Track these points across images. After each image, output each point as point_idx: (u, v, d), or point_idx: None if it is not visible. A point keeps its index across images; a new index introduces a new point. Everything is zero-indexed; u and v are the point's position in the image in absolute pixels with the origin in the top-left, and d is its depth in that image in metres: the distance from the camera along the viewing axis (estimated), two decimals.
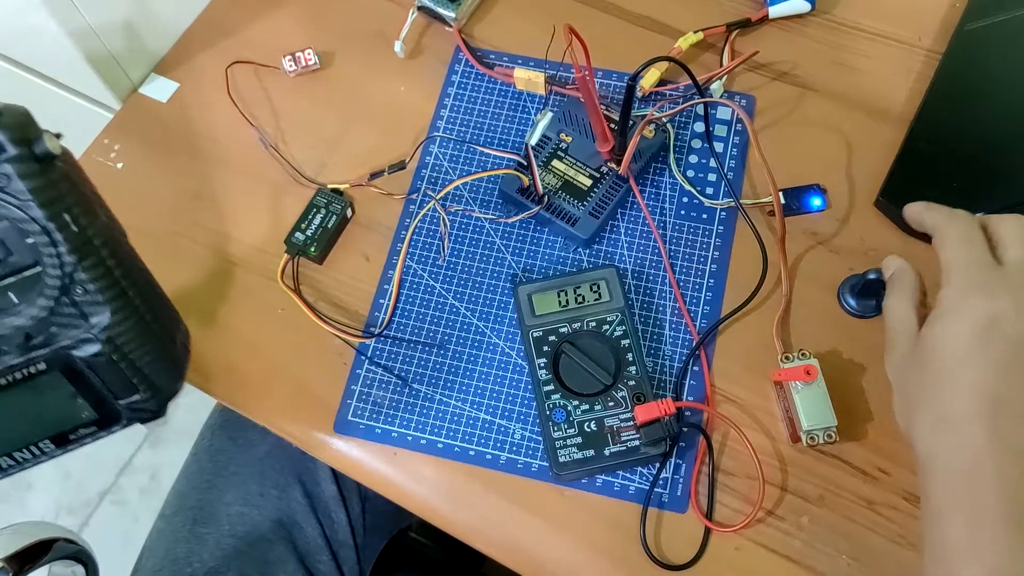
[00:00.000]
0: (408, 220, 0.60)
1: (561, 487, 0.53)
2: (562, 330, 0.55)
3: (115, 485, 1.33)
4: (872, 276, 0.52)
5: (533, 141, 0.55)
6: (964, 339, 0.41)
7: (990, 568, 0.37)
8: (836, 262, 0.58)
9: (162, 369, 0.44)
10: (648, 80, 0.62)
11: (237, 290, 0.59)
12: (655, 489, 0.52)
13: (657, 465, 0.53)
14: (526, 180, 0.58)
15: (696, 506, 0.52)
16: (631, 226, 0.59)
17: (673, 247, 0.59)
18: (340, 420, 0.55)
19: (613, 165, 0.59)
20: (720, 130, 0.62)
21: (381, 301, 0.58)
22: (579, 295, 0.56)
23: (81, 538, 0.54)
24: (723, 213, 0.60)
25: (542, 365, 0.54)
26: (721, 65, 0.63)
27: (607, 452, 0.52)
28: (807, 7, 0.65)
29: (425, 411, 0.55)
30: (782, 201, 0.58)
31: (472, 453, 0.54)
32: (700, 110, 0.62)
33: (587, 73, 0.53)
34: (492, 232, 0.60)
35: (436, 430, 0.55)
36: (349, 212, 0.60)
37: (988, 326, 0.41)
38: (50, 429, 0.44)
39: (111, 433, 0.45)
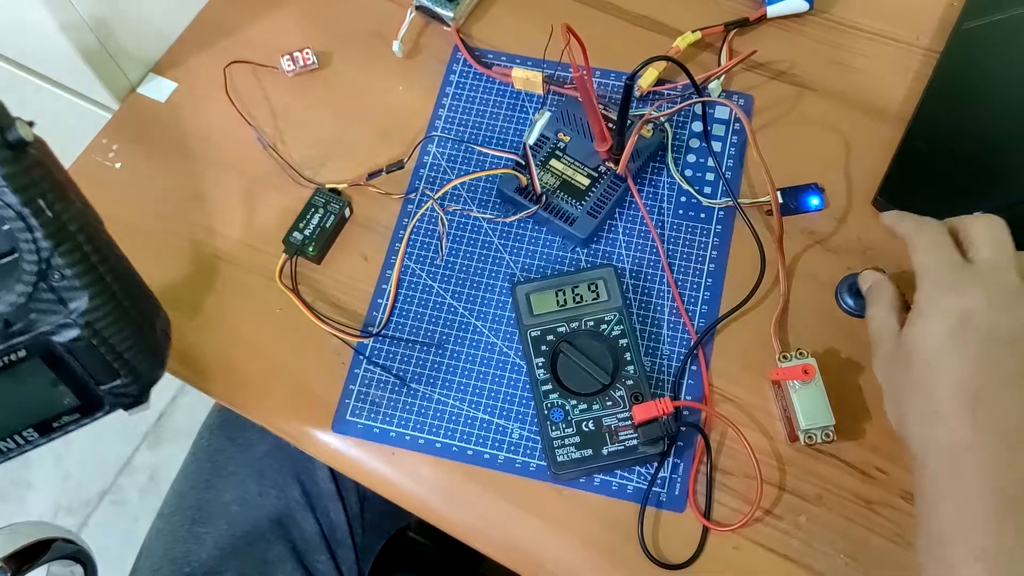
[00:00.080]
0: (406, 220, 0.60)
1: (559, 486, 0.53)
2: (560, 329, 0.55)
3: (114, 485, 1.33)
4: (885, 270, 0.52)
5: (531, 141, 0.55)
6: (940, 336, 0.43)
7: (978, 549, 0.39)
8: (834, 261, 0.58)
9: (142, 354, 0.44)
10: (646, 79, 0.62)
11: (235, 290, 0.59)
12: (653, 488, 0.52)
13: (655, 464, 0.53)
14: (524, 180, 0.58)
15: (694, 505, 0.52)
16: (629, 225, 0.59)
17: (671, 247, 0.59)
18: (338, 419, 0.55)
19: (611, 164, 0.59)
20: (718, 129, 0.62)
21: (379, 301, 0.58)
22: (577, 295, 0.56)
23: (79, 538, 0.54)
24: (721, 212, 0.60)
25: (540, 364, 0.54)
26: (719, 64, 0.63)
27: (605, 451, 0.52)
28: (805, 6, 0.65)
29: (423, 410, 0.55)
30: (780, 200, 0.58)
31: (470, 452, 0.54)
32: (698, 109, 0.62)
33: (585, 73, 0.53)
34: (490, 232, 0.60)
35: (434, 429, 0.55)
36: (347, 212, 0.60)
37: (961, 322, 0.42)
38: (33, 417, 0.44)
39: (94, 419, 0.45)
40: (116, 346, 0.42)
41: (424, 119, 0.64)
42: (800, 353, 0.53)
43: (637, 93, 0.62)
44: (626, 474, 0.53)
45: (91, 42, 0.62)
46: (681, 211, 0.60)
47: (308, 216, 0.59)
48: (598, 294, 0.56)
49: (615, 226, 0.59)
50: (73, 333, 0.41)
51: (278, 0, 0.69)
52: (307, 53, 0.65)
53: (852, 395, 0.54)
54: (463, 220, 0.60)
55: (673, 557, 0.51)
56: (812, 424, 0.51)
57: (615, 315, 0.55)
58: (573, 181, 0.59)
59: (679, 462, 0.53)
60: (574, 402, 0.53)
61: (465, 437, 0.54)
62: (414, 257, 0.59)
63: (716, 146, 0.61)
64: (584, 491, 0.53)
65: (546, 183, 0.59)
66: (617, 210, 0.60)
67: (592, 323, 0.55)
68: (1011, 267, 0.44)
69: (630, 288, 0.58)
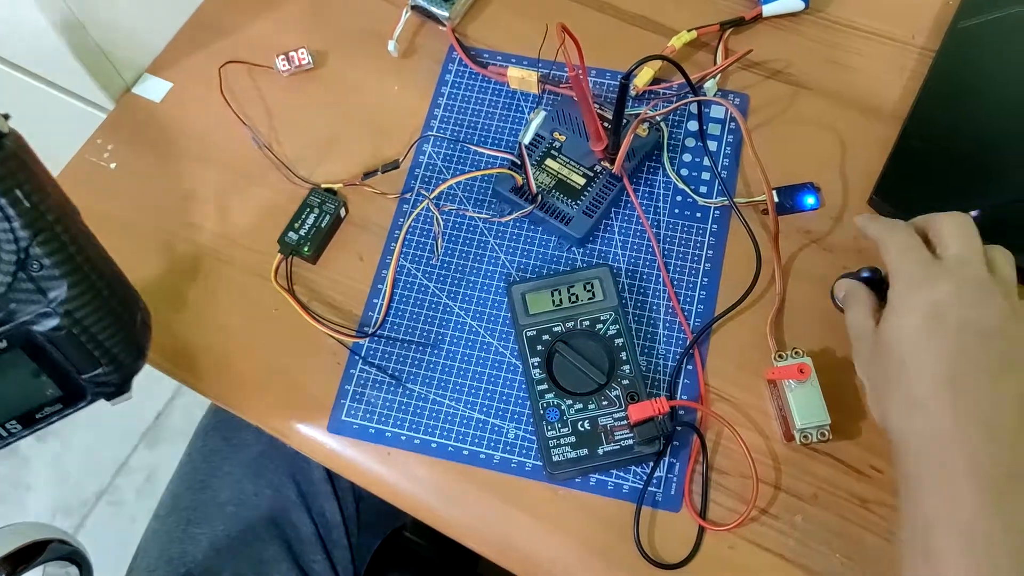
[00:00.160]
0: (402, 220, 0.60)
1: (555, 486, 0.53)
2: (556, 329, 0.55)
3: (111, 485, 1.33)
4: (865, 274, 0.52)
5: (526, 140, 0.55)
6: (914, 330, 0.44)
7: (963, 527, 0.40)
8: (830, 260, 0.58)
9: (123, 343, 0.44)
10: (642, 79, 0.62)
11: (231, 290, 0.59)
12: (649, 488, 0.52)
13: (651, 464, 0.53)
14: (520, 179, 0.58)
15: (690, 505, 0.52)
16: (625, 225, 0.59)
17: (667, 246, 0.59)
18: (334, 420, 0.55)
19: (607, 164, 0.59)
20: (714, 129, 0.62)
21: (375, 301, 0.58)
22: (573, 294, 0.56)
23: (75, 539, 0.54)
24: (717, 212, 0.60)
25: (536, 364, 0.54)
26: (715, 64, 0.63)
27: (601, 451, 0.51)
28: (801, 5, 0.65)
29: (419, 411, 0.55)
30: (776, 199, 0.58)
31: (466, 453, 0.54)
32: (694, 109, 0.62)
33: (580, 72, 0.53)
34: (486, 231, 0.60)
35: (430, 430, 0.55)
36: (343, 212, 0.60)
37: (933, 315, 0.44)
38: (15, 409, 0.44)
39: (76, 410, 0.46)
40: (97, 335, 0.43)
41: (420, 119, 0.64)
42: (796, 352, 0.53)
43: (633, 92, 0.62)
44: (622, 474, 0.53)
45: (86, 42, 0.62)
46: (677, 210, 0.60)
47: (303, 216, 0.59)
48: (594, 294, 0.56)
49: (611, 225, 0.59)
50: (53, 322, 0.41)
51: (273, 0, 0.69)
52: (302, 53, 0.65)
53: (848, 394, 0.54)
54: (459, 220, 0.60)
55: (669, 557, 0.51)
56: (808, 423, 0.51)
57: (611, 315, 0.55)
58: (569, 180, 0.59)
59: (675, 462, 0.53)
60: (570, 402, 0.53)
61: (461, 437, 0.54)
62: (410, 257, 0.59)
63: (712, 145, 0.61)
64: (580, 491, 0.53)
65: (542, 182, 0.59)
66: (613, 209, 0.60)
67: (588, 323, 0.55)
68: (979, 261, 0.45)
69: (626, 288, 0.58)
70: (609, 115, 0.57)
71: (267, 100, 0.65)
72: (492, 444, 0.54)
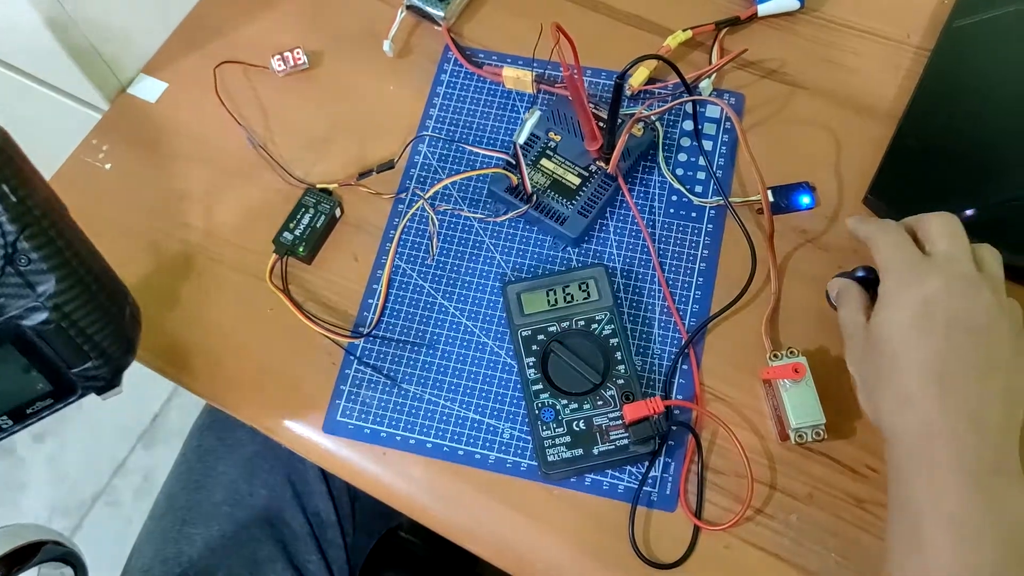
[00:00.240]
0: (397, 220, 0.60)
1: (550, 486, 0.53)
2: (551, 329, 0.55)
3: (109, 486, 1.33)
4: (860, 273, 0.52)
5: (521, 140, 0.55)
6: (905, 324, 0.45)
7: (948, 514, 0.41)
8: (825, 259, 0.58)
9: (112, 336, 0.44)
10: (637, 78, 0.62)
11: (226, 290, 0.59)
12: (644, 488, 0.52)
13: (646, 464, 0.53)
14: (515, 179, 0.58)
15: (685, 505, 0.52)
16: (620, 225, 0.59)
17: (662, 246, 0.59)
18: (329, 420, 0.55)
19: (602, 164, 0.59)
20: (709, 128, 0.62)
21: (370, 301, 0.58)
22: (568, 294, 0.56)
23: (70, 540, 0.54)
24: (712, 211, 0.60)
25: (531, 364, 0.54)
26: (710, 63, 0.63)
27: (596, 451, 0.51)
28: (796, 5, 0.65)
29: (414, 411, 0.55)
30: (771, 199, 0.58)
31: (461, 453, 0.54)
32: (689, 108, 0.62)
33: (575, 71, 0.53)
34: (481, 231, 0.60)
35: (425, 430, 0.55)
36: (338, 212, 0.60)
37: (923, 309, 0.45)
38: (5, 404, 0.44)
39: (67, 404, 0.46)
40: (85, 329, 0.43)
41: (415, 119, 0.64)
42: (791, 352, 0.53)
43: (628, 92, 0.62)
44: (617, 474, 0.53)
45: (81, 42, 0.62)
46: (672, 210, 0.60)
47: (298, 216, 0.59)
48: (589, 293, 0.56)
49: (606, 225, 0.59)
50: (42, 316, 0.41)
51: (269, 0, 0.69)
52: (298, 53, 0.65)
53: (843, 394, 0.53)
54: (454, 220, 0.60)
55: (664, 556, 0.51)
56: (802, 423, 0.51)
57: (606, 314, 0.55)
58: (564, 180, 0.59)
59: (670, 461, 0.53)
60: (565, 402, 0.53)
61: (456, 437, 0.54)
62: (405, 257, 0.59)
63: (707, 145, 0.61)
64: (575, 491, 0.53)
65: (537, 182, 0.59)
66: (608, 209, 0.60)
67: (583, 322, 0.55)
68: (967, 258, 0.46)
69: (621, 287, 0.57)
70: (604, 115, 0.57)
71: (263, 100, 0.65)
72: (487, 444, 0.54)
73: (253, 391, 0.56)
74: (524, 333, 0.55)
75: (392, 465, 0.54)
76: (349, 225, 0.61)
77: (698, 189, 0.60)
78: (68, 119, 0.69)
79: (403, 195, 0.61)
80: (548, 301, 0.56)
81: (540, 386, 0.53)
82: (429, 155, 0.62)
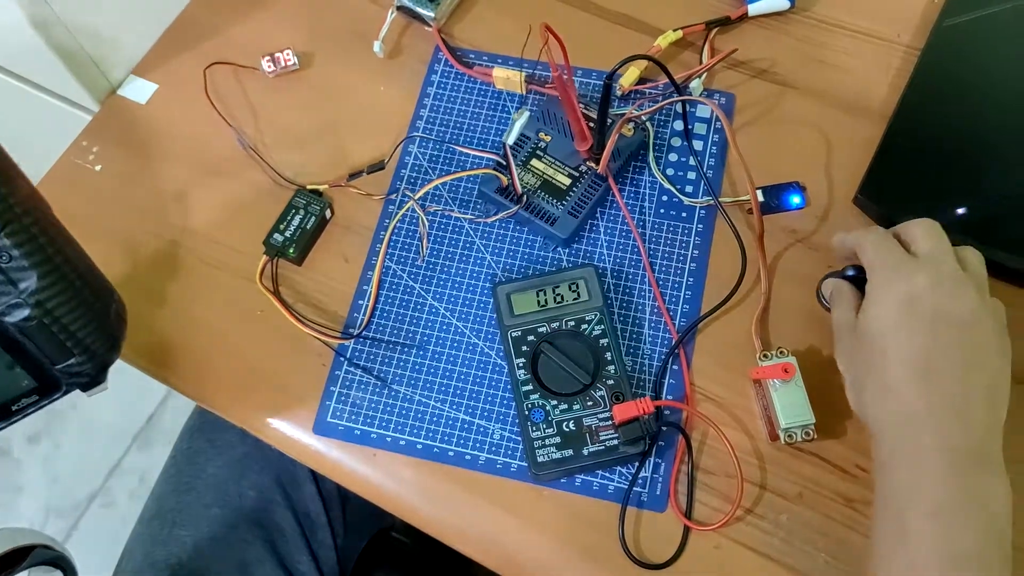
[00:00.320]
0: (387, 221, 0.60)
1: (540, 487, 0.53)
2: (541, 330, 0.55)
3: (104, 488, 1.33)
4: (851, 272, 0.52)
5: (510, 140, 0.55)
6: (891, 317, 0.46)
7: (931, 502, 0.42)
8: (815, 259, 0.58)
9: (95, 333, 0.44)
10: (627, 79, 0.62)
11: (216, 292, 0.59)
12: (634, 488, 0.52)
13: (636, 464, 0.53)
14: (505, 180, 0.58)
15: (675, 505, 0.52)
16: (611, 225, 0.59)
17: (652, 246, 0.59)
18: (319, 421, 0.55)
19: (592, 164, 0.59)
20: (700, 128, 0.62)
21: (360, 302, 0.58)
22: (558, 295, 0.56)
23: (60, 544, 0.54)
24: (702, 211, 0.59)
25: (521, 365, 0.54)
26: (701, 63, 0.63)
27: (586, 452, 0.51)
28: (787, 4, 0.65)
29: (404, 412, 0.55)
30: (760, 199, 0.58)
31: (451, 454, 0.54)
32: (680, 108, 0.61)
33: (564, 72, 0.53)
34: (471, 232, 0.60)
35: (415, 431, 0.54)
36: (328, 213, 0.60)
37: (909, 305, 0.46)
38: None
39: (52, 400, 0.46)
40: (68, 325, 0.43)
41: (405, 119, 0.64)
42: (781, 352, 0.53)
43: (619, 92, 0.62)
44: (607, 474, 0.53)
45: (69, 44, 0.62)
46: (663, 210, 0.60)
47: (289, 217, 0.59)
48: (579, 294, 0.56)
49: (596, 226, 0.59)
50: (24, 313, 0.41)
51: (259, 1, 0.68)
52: (288, 54, 0.65)
53: (833, 393, 0.53)
54: (444, 220, 0.60)
55: (654, 557, 0.51)
56: (792, 422, 0.51)
57: (596, 315, 0.55)
58: (554, 181, 0.59)
59: (660, 462, 0.53)
60: (554, 402, 0.53)
61: (446, 438, 0.54)
62: (395, 258, 0.59)
63: (698, 145, 0.61)
64: (565, 491, 0.53)
65: (527, 183, 0.59)
66: (598, 210, 0.60)
67: (573, 323, 0.55)
68: (951, 258, 0.47)
69: (611, 288, 0.57)
70: (595, 115, 0.57)
71: (253, 101, 0.65)
72: (477, 445, 0.54)
73: (243, 392, 0.56)
74: (514, 334, 0.55)
75: (382, 466, 0.54)
76: (339, 226, 0.61)
77: (688, 189, 0.60)
78: (58, 121, 0.69)
79: (393, 196, 0.61)
80: (538, 302, 0.56)
81: (530, 387, 0.53)
82: (420, 156, 0.62)
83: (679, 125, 0.62)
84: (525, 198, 0.58)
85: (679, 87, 0.58)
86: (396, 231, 0.60)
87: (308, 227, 0.59)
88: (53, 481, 1.34)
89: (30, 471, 1.34)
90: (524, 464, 0.53)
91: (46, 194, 0.45)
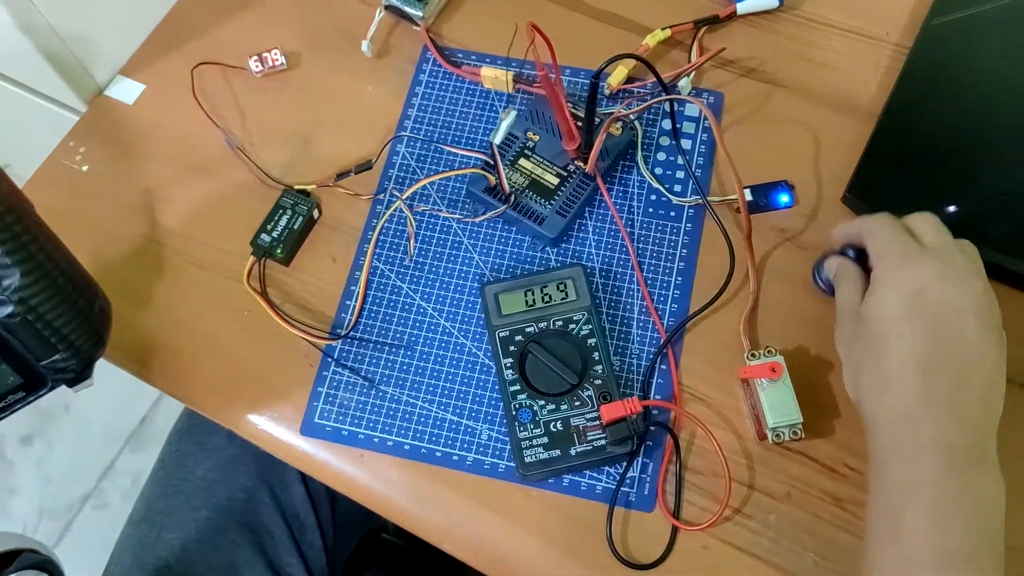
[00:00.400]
0: (375, 220, 0.60)
1: (528, 487, 0.53)
2: (528, 330, 0.55)
3: (97, 489, 1.32)
4: (851, 253, 0.51)
5: (497, 140, 0.55)
6: (896, 306, 0.46)
7: (928, 499, 0.42)
8: (804, 258, 0.58)
9: (79, 329, 0.45)
10: (616, 78, 0.62)
11: (203, 292, 0.59)
12: (622, 488, 0.52)
13: (624, 464, 0.52)
14: (493, 179, 0.58)
15: (663, 505, 0.51)
16: (599, 224, 0.59)
17: (641, 245, 0.58)
18: (307, 422, 0.55)
19: (580, 163, 0.59)
20: (688, 127, 0.62)
21: (348, 302, 0.58)
22: (546, 294, 0.56)
23: (47, 548, 0.54)
24: (691, 210, 0.59)
25: (508, 365, 0.54)
26: (689, 62, 0.63)
27: (573, 452, 0.51)
28: (775, 3, 0.65)
29: (392, 412, 0.55)
30: (748, 198, 0.58)
31: (439, 454, 0.54)
32: (668, 107, 0.61)
33: (550, 71, 0.53)
34: (459, 232, 0.60)
35: (403, 431, 0.54)
36: (316, 213, 0.60)
37: (915, 293, 0.45)
38: None
39: (38, 396, 0.47)
40: (52, 322, 0.43)
41: (393, 119, 0.63)
42: (768, 351, 0.53)
43: (607, 91, 0.62)
44: (595, 474, 0.53)
45: (56, 45, 0.61)
46: (651, 209, 0.60)
47: (276, 218, 0.59)
48: (567, 294, 0.55)
49: (585, 225, 0.59)
50: (7, 309, 0.42)
51: (247, 1, 0.68)
52: (275, 54, 0.65)
53: (822, 392, 0.54)
54: (432, 220, 0.60)
55: (642, 557, 0.51)
56: (780, 422, 0.51)
57: (583, 315, 0.55)
58: (542, 180, 0.59)
59: (648, 462, 0.53)
60: (542, 402, 0.52)
61: (434, 439, 0.54)
62: (383, 258, 0.59)
63: (686, 144, 0.61)
64: (553, 492, 0.52)
65: (515, 182, 0.58)
66: (587, 209, 0.59)
67: (560, 323, 0.55)
68: (957, 251, 0.47)
69: (600, 287, 0.57)
70: (583, 114, 0.57)
71: (240, 101, 0.65)
72: (465, 445, 0.54)
73: (230, 394, 0.56)
74: (502, 334, 0.55)
75: (369, 467, 0.54)
76: (327, 226, 0.60)
77: (677, 188, 0.60)
78: (46, 121, 0.69)
79: (381, 196, 0.61)
80: (526, 302, 0.55)
81: (517, 387, 0.53)
82: (408, 155, 0.62)
83: (668, 124, 0.62)
84: (513, 197, 0.58)
85: (666, 86, 0.58)
86: (384, 231, 0.60)
87: (296, 227, 0.59)
88: (46, 482, 1.33)
89: (23, 472, 1.34)
90: (512, 465, 0.53)
91: (33, 194, 0.45)
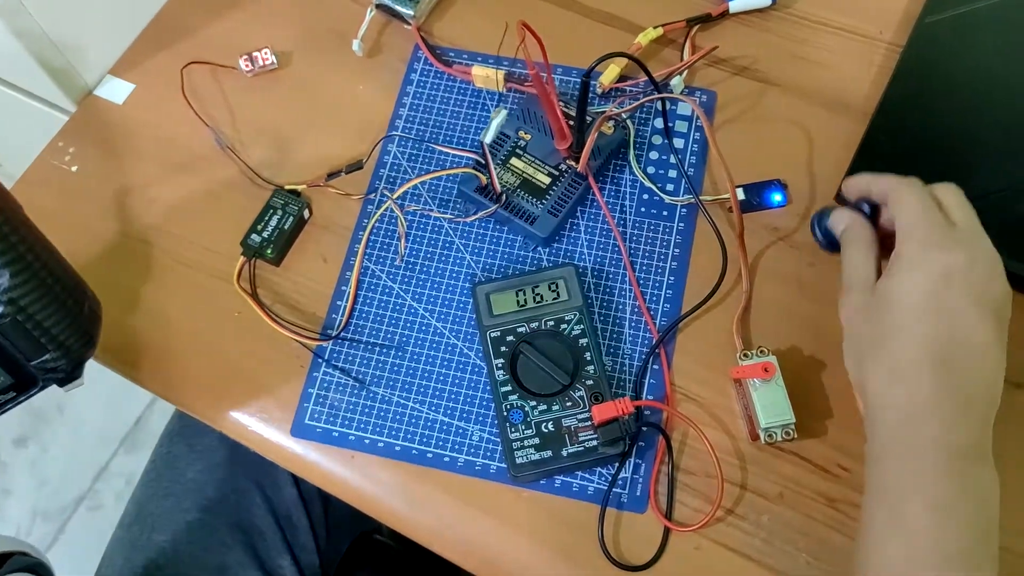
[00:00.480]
0: (366, 220, 0.60)
1: (519, 488, 0.52)
2: (520, 330, 0.54)
3: (91, 491, 1.32)
4: (866, 208, 0.50)
5: (488, 139, 0.54)
6: (921, 291, 0.43)
7: (930, 498, 0.41)
8: (797, 257, 0.57)
9: (69, 329, 0.45)
10: (608, 76, 0.62)
11: (193, 293, 0.58)
12: (614, 489, 0.52)
13: (616, 465, 0.52)
14: (484, 179, 0.58)
15: (655, 506, 0.51)
16: (591, 224, 0.59)
17: (633, 245, 0.58)
18: (297, 423, 0.55)
19: (572, 162, 0.59)
20: (681, 126, 0.62)
21: (339, 303, 0.58)
22: (537, 294, 0.55)
23: (38, 551, 0.54)
24: (684, 210, 0.59)
25: (499, 366, 0.53)
26: (682, 60, 0.63)
27: (565, 453, 0.51)
28: (767, 1, 0.64)
29: (383, 413, 0.55)
30: (741, 197, 0.58)
31: (430, 455, 0.53)
32: (660, 106, 0.61)
33: (541, 70, 0.53)
34: (451, 232, 0.59)
35: (394, 433, 0.54)
36: (306, 213, 0.60)
37: (944, 279, 0.43)
38: None
39: (29, 396, 0.47)
40: (42, 322, 0.44)
41: (384, 118, 0.63)
42: (761, 351, 0.52)
43: (599, 90, 0.62)
44: (587, 475, 0.52)
45: (45, 45, 0.61)
46: (643, 209, 0.59)
47: (266, 218, 0.59)
48: (558, 294, 0.55)
49: (577, 225, 0.59)
50: None
51: (238, 0, 0.68)
52: (266, 53, 0.64)
53: (814, 392, 0.53)
54: (423, 220, 0.60)
55: (634, 558, 0.50)
56: (772, 422, 0.50)
57: (575, 315, 0.54)
58: (534, 180, 0.58)
59: (640, 462, 0.52)
60: (533, 403, 0.52)
61: (425, 440, 0.54)
62: (374, 258, 0.59)
63: (679, 142, 0.61)
64: (544, 493, 0.52)
65: (506, 182, 0.58)
66: (579, 208, 0.59)
67: (552, 323, 0.54)
68: (984, 233, 0.45)
69: (592, 287, 0.57)
70: (575, 113, 0.57)
71: (230, 101, 0.64)
72: (456, 447, 0.53)
73: (220, 395, 0.56)
74: (493, 334, 0.54)
75: (360, 468, 0.54)
76: (317, 226, 0.60)
77: (670, 187, 0.60)
78: (35, 121, 0.68)
79: (372, 196, 0.61)
80: (517, 302, 0.55)
81: (509, 387, 0.53)
82: (399, 155, 0.62)
83: (660, 123, 0.61)
84: (504, 197, 0.57)
85: (658, 85, 0.58)
86: (375, 231, 0.59)
87: (286, 227, 0.58)
88: (40, 484, 1.33)
89: (17, 475, 1.33)
90: (503, 466, 0.52)
91: (22, 195, 0.45)
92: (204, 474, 0.65)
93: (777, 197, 0.59)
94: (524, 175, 0.58)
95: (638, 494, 0.52)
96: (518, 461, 0.51)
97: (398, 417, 0.54)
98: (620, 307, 0.56)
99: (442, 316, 0.57)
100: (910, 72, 0.61)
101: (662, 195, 0.59)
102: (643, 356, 0.55)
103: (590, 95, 0.61)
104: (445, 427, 0.54)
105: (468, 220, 0.59)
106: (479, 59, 0.64)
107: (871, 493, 0.44)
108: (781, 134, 0.61)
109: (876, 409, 0.44)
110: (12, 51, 0.60)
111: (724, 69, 0.64)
